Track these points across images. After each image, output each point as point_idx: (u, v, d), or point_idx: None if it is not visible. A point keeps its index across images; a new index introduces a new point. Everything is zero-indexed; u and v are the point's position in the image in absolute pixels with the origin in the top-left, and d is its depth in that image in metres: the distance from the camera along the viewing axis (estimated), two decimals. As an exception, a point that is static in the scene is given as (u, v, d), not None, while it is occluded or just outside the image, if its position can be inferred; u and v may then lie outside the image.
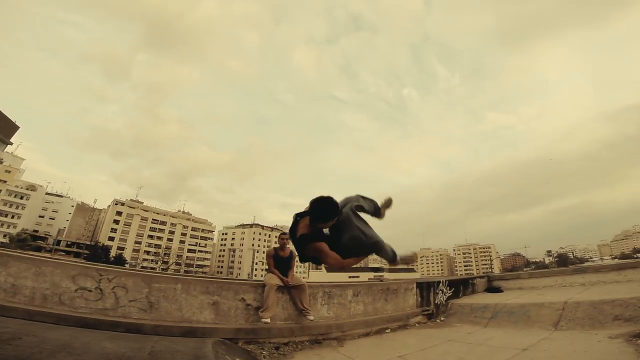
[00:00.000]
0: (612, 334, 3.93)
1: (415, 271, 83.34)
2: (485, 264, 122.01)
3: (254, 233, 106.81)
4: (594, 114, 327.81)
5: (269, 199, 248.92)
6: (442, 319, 6.82)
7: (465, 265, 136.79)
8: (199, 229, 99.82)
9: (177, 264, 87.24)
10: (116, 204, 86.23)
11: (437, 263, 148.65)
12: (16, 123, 49.42)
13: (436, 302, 7.19)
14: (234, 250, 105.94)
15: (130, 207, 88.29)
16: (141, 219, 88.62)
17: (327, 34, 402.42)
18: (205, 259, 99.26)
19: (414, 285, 7.15)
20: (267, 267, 5.49)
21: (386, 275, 61.56)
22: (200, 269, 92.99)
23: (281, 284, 5.05)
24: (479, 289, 8.62)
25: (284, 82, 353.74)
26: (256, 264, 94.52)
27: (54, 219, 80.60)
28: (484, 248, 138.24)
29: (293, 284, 5.13)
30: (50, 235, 73.56)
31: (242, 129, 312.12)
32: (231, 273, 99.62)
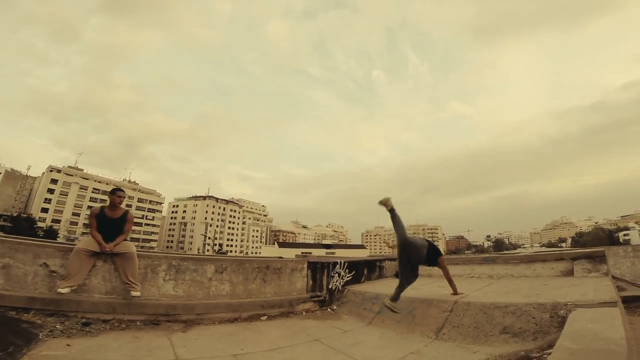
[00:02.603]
0: (492, 355, 2.92)
1: (365, 248, 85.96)
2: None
3: (207, 206, 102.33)
4: (544, 111, 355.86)
5: (227, 170, 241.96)
6: (334, 308, 5.83)
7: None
8: (146, 200, 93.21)
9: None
10: (51, 171, 77.07)
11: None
12: None
13: (330, 287, 6.14)
14: (185, 224, 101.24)
15: (67, 174, 79.37)
16: (80, 188, 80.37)
17: (306, 8, 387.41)
18: (152, 232, 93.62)
19: (305, 265, 5.99)
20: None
21: (337, 252, 62.46)
22: (147, 244, 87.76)
23: (96, 249, 4.13)
24: (387, 273, 7.71)
25: (253, 52, 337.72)
26: (209, 238, 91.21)
27: (-25, 187, 70.21)
28: (432, 229, 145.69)
29: (116, 251, 4.20)
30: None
31: (203, 97, 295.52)
32: (182, 248, 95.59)
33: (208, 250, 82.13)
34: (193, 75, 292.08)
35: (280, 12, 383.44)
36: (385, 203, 4.60)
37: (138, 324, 4.03)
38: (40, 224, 63.91)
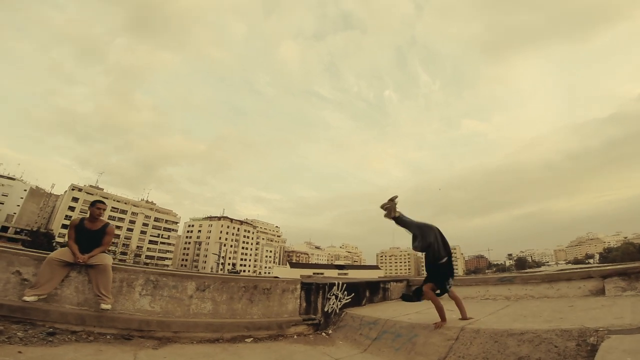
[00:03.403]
0: (503, 396, 2.33)
1: (379, 269, 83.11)
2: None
3: (222, 226, 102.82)
4: (561, 125, 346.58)
5: (242, 192, 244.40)
6: (330, 332, 5.32)
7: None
8: (163, 219, 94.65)
9: (137, 255, 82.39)
10: (73, 190, 80.00)
11: (405, 262, 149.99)
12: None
13: (326, 310, 5.63)
14: (199, 243, 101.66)
15: (88, 193, 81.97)
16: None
17: (316, 30, 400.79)
18: (167, 251, 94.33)
19: (298, 286, 5.50)
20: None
21: (350, 273, 60.56)
22: (162, 262, 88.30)
23: (70, 259, 3.99)
24: (393, 296, 7.06)
25: (266, 74, 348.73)
26: (222, 257, 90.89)
27: (2, 203, 73.42)
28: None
29: (90, 263, 4.04)
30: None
31: (219, 119, 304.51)
32: (196, 267, 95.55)
33: (221, 270, 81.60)
34: (209, 96, 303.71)
35: (292, 34, 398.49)
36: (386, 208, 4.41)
37: (108, 337, 3.85)
38: (59, 239, 65.59)
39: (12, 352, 2.95)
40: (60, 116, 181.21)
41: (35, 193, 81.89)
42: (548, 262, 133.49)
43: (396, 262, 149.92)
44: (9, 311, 3.63)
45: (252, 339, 4.59)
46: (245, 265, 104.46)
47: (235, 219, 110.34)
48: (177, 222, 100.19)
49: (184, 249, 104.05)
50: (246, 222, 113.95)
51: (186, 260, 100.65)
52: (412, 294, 7.13)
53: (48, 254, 4.22)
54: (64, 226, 75.09)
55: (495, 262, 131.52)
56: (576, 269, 7.51)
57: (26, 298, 3.70)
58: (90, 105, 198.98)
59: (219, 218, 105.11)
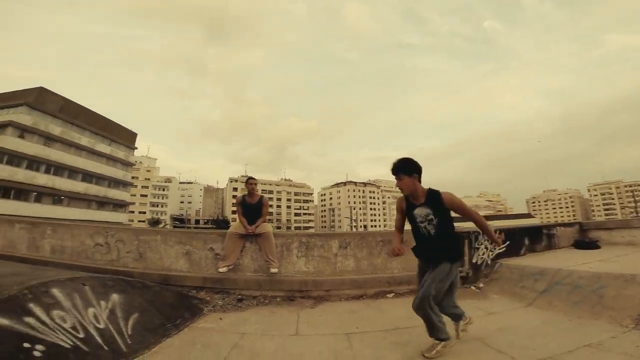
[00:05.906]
0: None
1: (533, 217, 71.09)
2: (632, 206, 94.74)
3: (348, 190, 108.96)
4: None
5: (359, 156, 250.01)
6: (480, 285, 4.93)
7: (605, 209, 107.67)
8: (300, 192, 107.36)
9: (288, 227, 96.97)
10: (231, 182, 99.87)
11: (566, 207, 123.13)
12: (132, 130, 54.68)
13: (475, 261, 5.24)
14: (333, 210, 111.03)
15: (242, 182, 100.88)
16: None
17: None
18: (309, 220, 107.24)
19: (438, 237, 5.30)
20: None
21: (495, 224, 54.12)
22: (307, 230, 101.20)
23: (243, 232, 4.65)
24: (561, 243, 6.05)
25: (343, 41, 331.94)
26: (354, 220, 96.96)
27: (190, 202, 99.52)
28: (631, 186, 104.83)
29: (258, 232, 4.65)
30: (188, 217, 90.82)
31: (319, 95, 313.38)
32: (333, 231, 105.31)
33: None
34: (302, 77, 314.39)
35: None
36: None
37: (278, 299, 4.35)
38: (233, 223, 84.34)
39: (215, 319, 3.53)
40: (201, 126, 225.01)
41: (208, 190, 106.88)
42: None
43: (554, 208, 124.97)
44: (212, 283, 4.43)
45: (393, 294, 4.62)
46: (375, 226, 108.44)
47: (359, 182, 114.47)
48: (311, 193, 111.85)
49: (322, 216, 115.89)
50: (369, 183, 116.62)
51: (325, 227, 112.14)
52: (588, 242, 5.93)
53: (226, 230, 4.96)
54: (232, 212, 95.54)
55: None
56: None
57: (220, 269, 4.47)
58: (217, 112, 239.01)
59: (345, 183, 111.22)
